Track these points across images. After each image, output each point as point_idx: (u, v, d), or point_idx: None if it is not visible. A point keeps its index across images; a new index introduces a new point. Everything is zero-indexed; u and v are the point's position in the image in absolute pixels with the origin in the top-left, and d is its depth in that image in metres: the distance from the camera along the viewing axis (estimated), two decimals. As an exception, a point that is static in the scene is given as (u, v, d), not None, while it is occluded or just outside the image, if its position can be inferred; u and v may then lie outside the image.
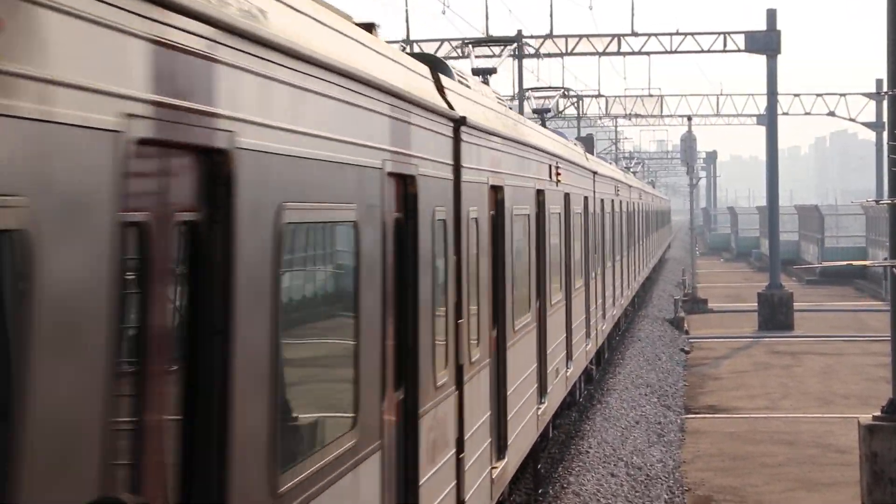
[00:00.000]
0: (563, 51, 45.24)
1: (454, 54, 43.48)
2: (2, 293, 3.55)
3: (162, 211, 4.56)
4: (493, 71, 18.30)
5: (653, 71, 58.76)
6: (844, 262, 45.39)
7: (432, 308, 9.21)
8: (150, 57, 4.34)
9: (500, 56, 42.43)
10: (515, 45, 41.23)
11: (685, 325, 42.56)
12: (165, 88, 4.44)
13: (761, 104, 63.35)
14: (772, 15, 43.73)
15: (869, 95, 64.79)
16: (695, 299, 50.47)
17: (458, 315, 10.31)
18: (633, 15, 44.75)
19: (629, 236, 34.53)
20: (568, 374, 19.50)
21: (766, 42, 43.52)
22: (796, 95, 66.62)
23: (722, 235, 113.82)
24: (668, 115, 70.26)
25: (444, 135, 9.84)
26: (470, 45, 24.55)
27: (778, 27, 43.49)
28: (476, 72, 18.74)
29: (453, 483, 10.02)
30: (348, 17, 8.06)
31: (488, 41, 34.88)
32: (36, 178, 3.56)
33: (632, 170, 65.10)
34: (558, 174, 17.76)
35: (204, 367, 4.93)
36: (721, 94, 70.25)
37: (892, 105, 16.57)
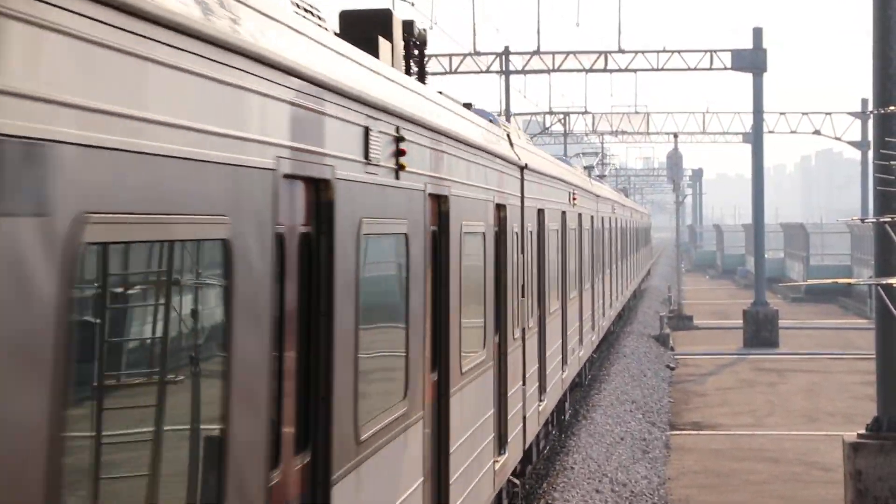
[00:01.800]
0: (550, 67, 45.39)
1: (441, 70, 43.62)
2: None
3: None
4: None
5: (639, 88, 59.15)
6: (830, 280, 45.44)
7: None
8: None
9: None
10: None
11: (671, 341, 42.63)
12: None
13: (747, 122, 63.51)
14: (758, 33, 43.95)
15: (854, 114, 65.04)
16: (680, 316, 50.61)
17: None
18: (619, 32, 45.03)
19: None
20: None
21: (752, 60, 43.71)
22: (782, 114, 66.85)
23: (708, 252, 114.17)
24: (654, 133, 70.52)
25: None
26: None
27: (764, 46, 43.71)
28: None
29: None
30: None
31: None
32: None
33: (596, 171, 59.43)
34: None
35: None
36: (707, 112, 70.52)
37: (878, 124, 16.62)
